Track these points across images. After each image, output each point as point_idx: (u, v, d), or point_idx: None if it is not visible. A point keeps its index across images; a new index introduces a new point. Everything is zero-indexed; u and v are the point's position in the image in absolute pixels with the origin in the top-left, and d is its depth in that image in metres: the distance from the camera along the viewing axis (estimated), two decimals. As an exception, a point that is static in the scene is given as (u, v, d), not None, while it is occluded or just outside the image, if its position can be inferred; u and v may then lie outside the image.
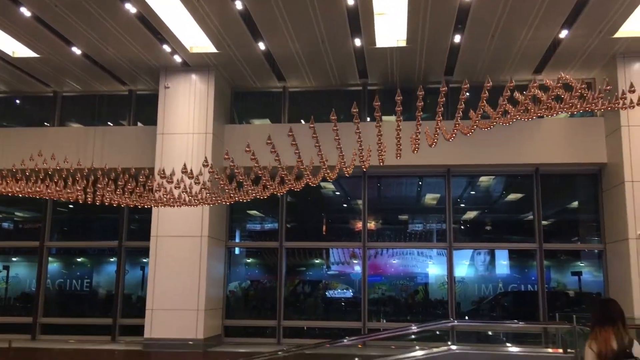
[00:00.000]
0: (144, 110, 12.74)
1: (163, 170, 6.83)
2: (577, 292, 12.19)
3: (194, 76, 11.39)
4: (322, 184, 13.17)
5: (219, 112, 11.64)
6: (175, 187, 7.02)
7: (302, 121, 12.66)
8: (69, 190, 6.90)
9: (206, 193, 7.18)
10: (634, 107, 5.49)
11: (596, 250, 11.75)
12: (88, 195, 7.12)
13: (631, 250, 10.07)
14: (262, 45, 10.37)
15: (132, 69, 11.53)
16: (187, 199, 7.25)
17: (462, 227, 12.70)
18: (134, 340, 11.16)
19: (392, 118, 12.02)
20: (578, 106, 5.32)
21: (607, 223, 11.23)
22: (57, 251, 13.26)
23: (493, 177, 12.60)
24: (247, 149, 6.29)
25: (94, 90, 12.70)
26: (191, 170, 6.80)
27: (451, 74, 11.61)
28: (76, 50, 10.55)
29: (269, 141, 6.22)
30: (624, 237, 10.28)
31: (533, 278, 11.90)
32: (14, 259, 13.61)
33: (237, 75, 11.84)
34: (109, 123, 13.04)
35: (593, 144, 10.99)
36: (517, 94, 5.53)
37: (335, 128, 6.12)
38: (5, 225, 13.96)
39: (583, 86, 5.31)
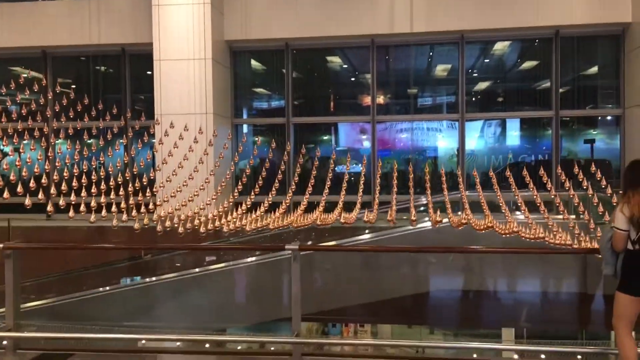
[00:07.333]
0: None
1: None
2: (588, 160, 12.02)
3: (187, -60, 10.52)
4: (329, 57, 12.64)
5: (217, -19, 10.89)
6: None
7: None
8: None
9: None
10: None
11: (609, 117, 11.40)
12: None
13: (651, 114, 9.77)
14: None
15: None
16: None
17: (474, 98, 12.30)
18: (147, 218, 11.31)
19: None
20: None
21: (627, 87, 10.77)
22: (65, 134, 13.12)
23: (508, 43, 11.93)
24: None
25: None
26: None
27: None
28: None
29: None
30: (644, 100, 9.93)
31: (544, 148, 11.69)
32: (24, 142, 13.51)
33: (234, -62, 10.94)
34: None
35: (617, 2, 10.26)
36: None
37: None
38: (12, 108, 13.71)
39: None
